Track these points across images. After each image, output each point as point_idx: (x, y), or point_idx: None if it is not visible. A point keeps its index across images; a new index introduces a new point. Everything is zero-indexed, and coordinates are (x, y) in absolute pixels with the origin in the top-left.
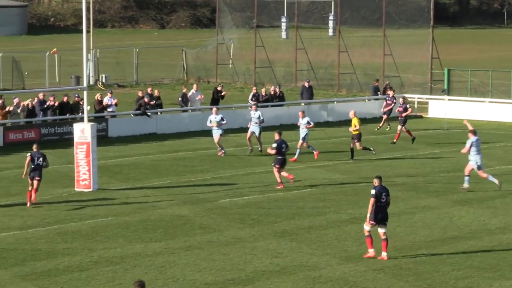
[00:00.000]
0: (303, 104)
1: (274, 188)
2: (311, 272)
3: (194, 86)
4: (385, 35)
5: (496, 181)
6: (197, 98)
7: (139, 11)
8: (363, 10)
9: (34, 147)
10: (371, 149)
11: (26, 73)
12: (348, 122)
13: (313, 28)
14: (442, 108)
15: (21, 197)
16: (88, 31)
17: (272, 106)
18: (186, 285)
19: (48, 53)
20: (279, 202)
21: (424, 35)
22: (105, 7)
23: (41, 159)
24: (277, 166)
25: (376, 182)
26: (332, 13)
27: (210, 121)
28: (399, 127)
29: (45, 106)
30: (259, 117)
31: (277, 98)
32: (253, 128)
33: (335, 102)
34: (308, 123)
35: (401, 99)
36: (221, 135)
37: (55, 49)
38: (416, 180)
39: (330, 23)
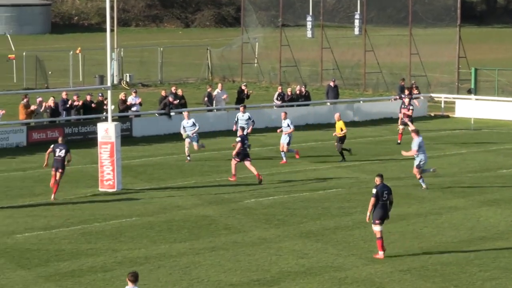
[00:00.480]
0: (328, 103)
1: (300, 188)
2: (337, 273)
3: (219, 85)
4: (412, 34)
5: (424, 185)
6: (222, 98)
7: (164, 10)
8: (389, 9)
9: (60, 139)
10: (345, 156)
11: (50, 72)
12: (374, 122)
13: (338, 27)
14: (469, 108)
15: (45, 197)
16: (112, 30)
17: (297, 105)
18: (211, 286)
19: (71, 52)
20: (305, 202)
21: (451, 34)
22: (129, 6)
23: (63, 151)
24: (237, 159)
25: (377, 180)
26: (358, 12)
27: (183, 127)
28: (410, 127)
29: (68, 105)
30: (248, 119)
31: (303, 98)
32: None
33: (361, 102)
34: (288, 126)
35: (406, 100)
36: (192, 140)
37: (79, 48)
38: (442, 180)
39: (356, 22)
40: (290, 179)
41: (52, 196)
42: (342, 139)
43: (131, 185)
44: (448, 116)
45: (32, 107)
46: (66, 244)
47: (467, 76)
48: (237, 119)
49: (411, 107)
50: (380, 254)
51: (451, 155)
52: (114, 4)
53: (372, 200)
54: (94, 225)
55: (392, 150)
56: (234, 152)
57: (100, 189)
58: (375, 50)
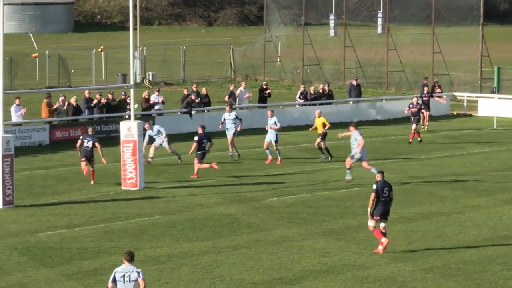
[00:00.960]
0: (351, 102)
1: (322, 187)
2: (359, 272)
3: (243, 84)
4: (434, 33)
5: (347, 178)
6: (245, 96)
7: (186, 8)
8: (412, 7)
9: (90, 130)
10: (327, 156)
11: (73, 70)
12: (396, 121)
13: (361, 25)
14: (491, 106)
15: (68, 195)
16: (135, 29)
17: (320, 104)
18: (233, 285)
19: (94, 50)
20: (327, 201)
21: (473, 33)
22: (152, 4)
23: (90, 142)
24: (196, 159)
25: (378, 177)
26: (381, 11)
27: (149, 137)
28: (413, 126)
29: (91, 104)
30: (235, 118)
31: (326, 96)
32: (229, 131)
33: (383, 101)
34: (275, 124)
35: (414, 99)
36: (163, 145)
37: (102, 47)
38: (465, 179)
39: (379, 21)
40: (313, 178)
41: (92, 182)
42: (323, 136)
43: (154, 184)
44: (470, 115)
45: (55, 106)
46: (88, 243)
47: (490, 75)
48: (224, 119)
49: (422, 107)
50: (383, 240)
51: (473, 153)
52: (137, 2)
53: (373, 195)
54: (116, 224)
55: (414, 149)
56: (190, 152)
57: (123, 188)
58: (398, 48)
